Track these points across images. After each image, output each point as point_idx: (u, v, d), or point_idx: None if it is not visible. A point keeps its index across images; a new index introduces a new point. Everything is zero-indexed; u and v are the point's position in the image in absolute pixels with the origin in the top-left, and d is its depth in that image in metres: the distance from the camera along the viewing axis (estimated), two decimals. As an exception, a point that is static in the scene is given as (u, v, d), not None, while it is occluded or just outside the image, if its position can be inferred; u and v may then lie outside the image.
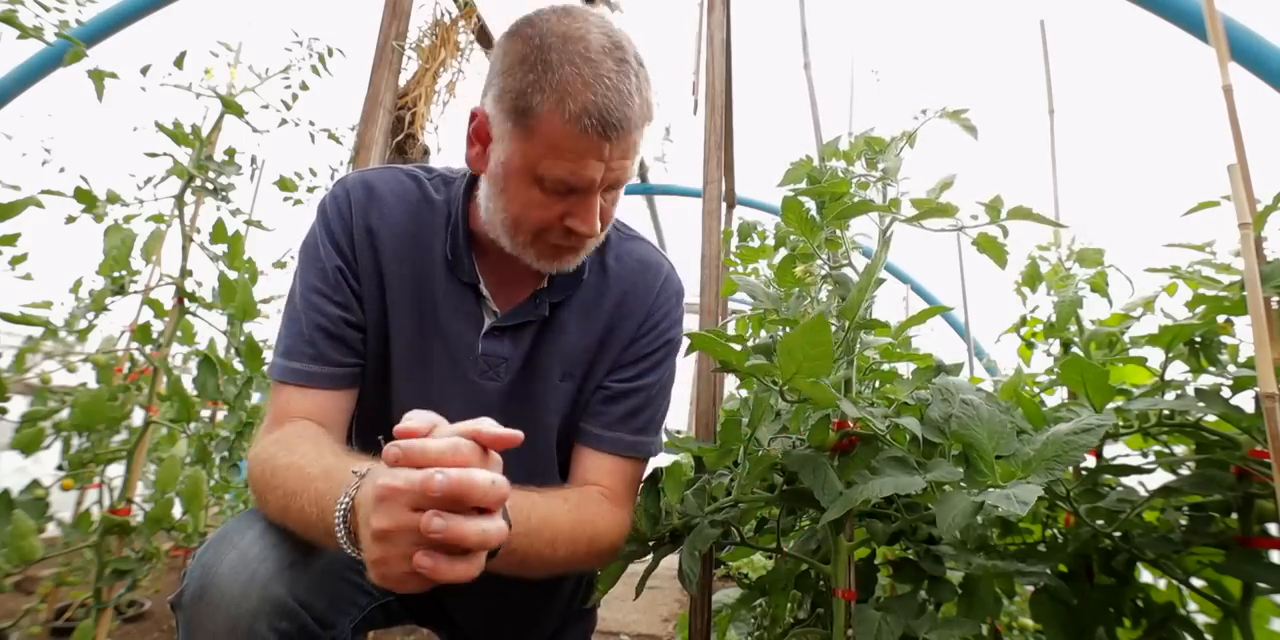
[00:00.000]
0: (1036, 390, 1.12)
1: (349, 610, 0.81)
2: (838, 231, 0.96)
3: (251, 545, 0.69)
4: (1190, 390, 0.85)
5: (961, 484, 0.71)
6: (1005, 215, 0.82)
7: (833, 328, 0.88)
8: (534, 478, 0.89)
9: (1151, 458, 0.93)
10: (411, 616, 1.00)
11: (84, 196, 1.61)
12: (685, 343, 0.93)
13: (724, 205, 1.79)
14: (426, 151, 2.03)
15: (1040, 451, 0.67)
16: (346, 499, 0.59)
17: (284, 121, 1.85)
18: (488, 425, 0.56)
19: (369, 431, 0.91)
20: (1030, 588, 0.87)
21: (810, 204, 0.97)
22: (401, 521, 0.50)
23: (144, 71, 1.59)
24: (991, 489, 0.65)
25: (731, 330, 1.52)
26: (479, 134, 0.81)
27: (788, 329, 1.00)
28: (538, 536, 0.72)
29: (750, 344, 0.99)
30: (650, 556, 0.99)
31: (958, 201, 0.84)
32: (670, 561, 0.97)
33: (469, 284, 0.89)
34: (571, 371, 0.93)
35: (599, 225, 0.79)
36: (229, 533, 0.72)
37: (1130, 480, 0.90)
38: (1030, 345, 1.22)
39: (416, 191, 0.91)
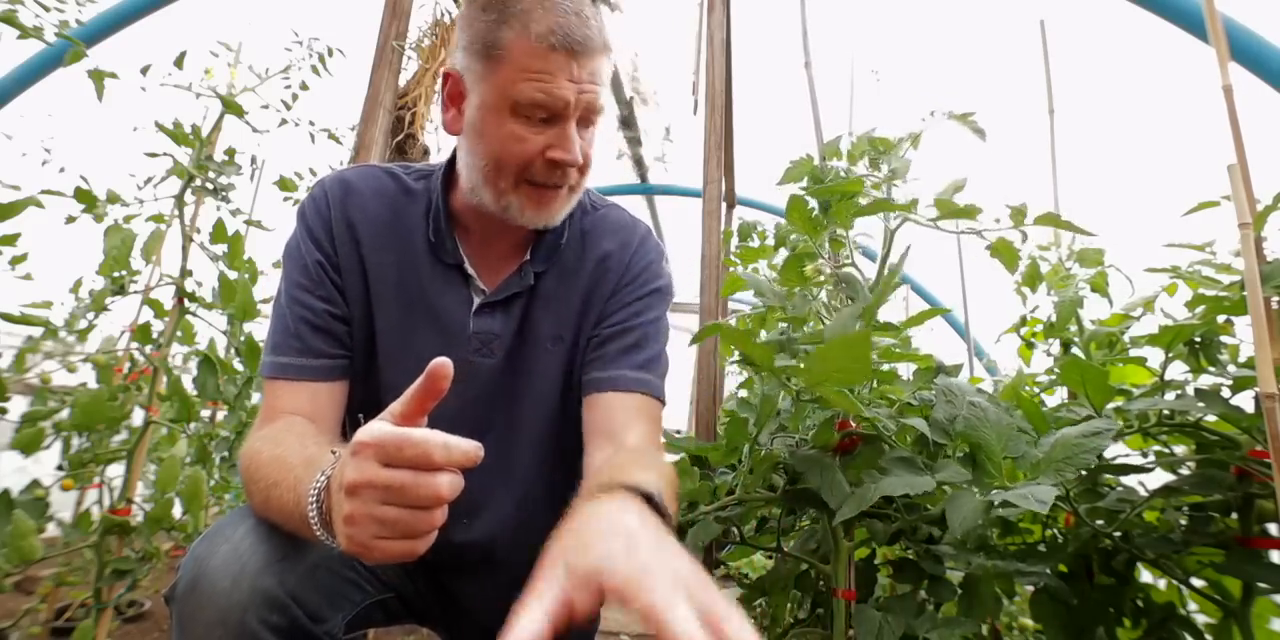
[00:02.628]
0: (1036, 390, 1.12)
1: (342, 605, 0.81)
2: (840, 231, 0.96)
3: (243, 538, 0.69)
4: (1190, 390, 0.85)
5: (965, 484, 0.71)
6: (1032, 221, 0.82)
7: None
8: (532, 446, 0.91)
9: (1151, 458, 0.93)
10: (412, 615, 1.00)
11: (84, 196, 1.61)
12: (693, 330, 0.92)
13: (724, 205, 1.79)
14: (426, 151, 2.03)
15: (1050, 453, 0.67)
16: (322, 477, 0.58)
17: (284, 121, 1.85)
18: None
19: (358, 428, 0.91)
20: (1030, 588, 0.87)
21: (814, 203, 0.97)
22: (370, 475, 0.50)
23: (144, 71, 1.59)
24: (1000, 490, 0.65)
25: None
26: (453, 96, 0.83)
27: (790, 326, 1.00)
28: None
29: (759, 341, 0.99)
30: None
31: (960, 202, 0.84)
32: (670, 561, 0.97)
33: (454, 265, 0.89)
34: (561, 334, 0.93)
35: (580, 155, 0.79)
36: (222, 527, 0.72)
37: (1130, 480, 0.90)
38: (1030, 345, 1.22)
39: (394, 185, 0.92)
